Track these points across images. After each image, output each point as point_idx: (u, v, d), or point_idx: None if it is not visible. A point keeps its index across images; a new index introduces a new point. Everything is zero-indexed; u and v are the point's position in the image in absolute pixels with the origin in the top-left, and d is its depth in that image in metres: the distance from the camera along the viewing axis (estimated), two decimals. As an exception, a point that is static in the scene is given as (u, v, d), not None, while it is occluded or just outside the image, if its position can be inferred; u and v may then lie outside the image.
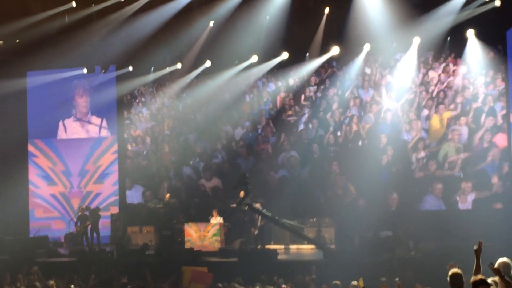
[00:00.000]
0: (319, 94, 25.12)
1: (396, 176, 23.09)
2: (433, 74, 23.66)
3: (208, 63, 24.94)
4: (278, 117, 25.49)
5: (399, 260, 17.20)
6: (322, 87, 25.10)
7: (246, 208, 19.55)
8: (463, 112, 23.02)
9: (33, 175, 26.93)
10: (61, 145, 26.87)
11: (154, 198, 24.73)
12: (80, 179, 26.57)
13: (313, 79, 25.17)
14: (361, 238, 18.85)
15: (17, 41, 24.16)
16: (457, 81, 23.27)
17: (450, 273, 8.16)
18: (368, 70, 24.47)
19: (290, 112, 25.39)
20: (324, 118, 24.77)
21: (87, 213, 22.48)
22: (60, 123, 26.91)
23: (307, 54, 24.32)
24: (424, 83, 23.78)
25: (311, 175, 24.29)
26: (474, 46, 22.10)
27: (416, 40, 22.49)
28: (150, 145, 26.52)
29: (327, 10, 23.17)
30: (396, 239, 18.76)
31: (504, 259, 9.22)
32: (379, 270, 15.68)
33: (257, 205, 21.09)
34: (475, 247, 8.68)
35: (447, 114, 23.19)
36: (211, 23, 23.71)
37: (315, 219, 21.41)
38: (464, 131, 22.92)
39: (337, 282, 14.26)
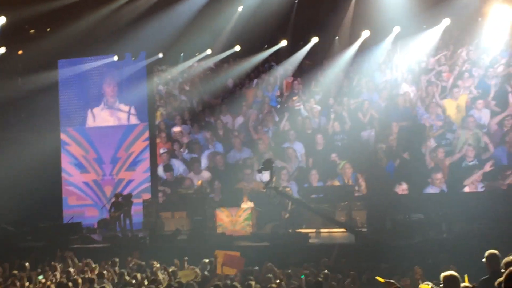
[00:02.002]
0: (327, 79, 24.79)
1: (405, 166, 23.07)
2: (463, 53, 23.28)
3: (237, 48, 24.94)
4: (283, 103, 25.40)
5: (432, 242, 17.11)
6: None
7: (274, 192, 19.60)
8: (484, 93, 22.74)
9: (66, 163, 27.17)
10: (93, 133, 27.06)
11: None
12: (112, 166, 26.76)
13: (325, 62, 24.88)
14: (393, 221, 18.76)
15: (48, 29, 24.31)
16: (485, 60, 22.93)
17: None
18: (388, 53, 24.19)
19: (295, 98, 25.25)
20: (330, 105, 24.64)
21: (120, 199, 22.63)
22: (89, 112, 27.12)
23: (337, 38, 24.18)
24: (451, 61, 23.40)
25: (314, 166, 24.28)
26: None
27: (446, 21, 22.28)
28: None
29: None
30: (428, 221, 18.65)
31: None
32: (411, 253, 15.62)
33: (287, 190, 21.22)
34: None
35: (463, 98, 22.93)
36: (240, 8, 23.67)
37: (346, 203, 21.34)
38: (484, 114, 22.70)
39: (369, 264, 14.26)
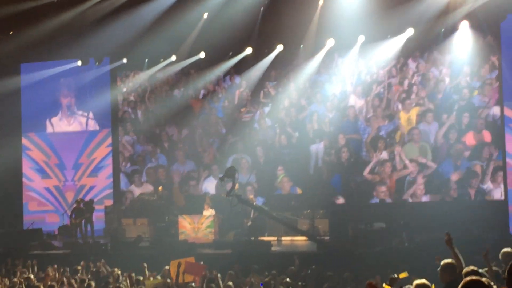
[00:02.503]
0: (280, 90, 24.79)
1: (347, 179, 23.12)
2: (412, 65, 23.34)
3: (202, 54, 24.86)
4: (232, 115, 25.35)
5: (393, 251, 17.22)
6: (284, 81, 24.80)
7: (236, 199, 19.60)
8: (437, 107, 22.83)
9: (27, 169, 26.90)
10: (55, 138, 26.82)
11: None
12: (74, 172, 26.54)
13: (273, 74, 24.86)
14: (355, 230, 18.85)
15: (11, 32, 24.08)
16: (436, 72, 23.04)
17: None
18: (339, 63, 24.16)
19: (243, 109, 25.15)
20: (279, 117, 24.55)
21: (82, 205, 22.44)
22: (47, 122, 26.86)
23: (302, 46, 24.21)
24: (400, 75, 23.45)
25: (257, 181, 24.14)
26: (464, 36, 22.03)
27: (409, 31, 22.42)
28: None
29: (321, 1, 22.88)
30: (390, 230, 18.77)
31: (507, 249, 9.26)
32: (372, 261, 15.70)
33: (250, 197, 21.26)
34: (445, 239, 8.73)
35: (415, 111, 23.05)
36: (205, 15, 23.61)
37: (309, 211, 21.39)
38: (433, 128, 22.78)
39: (330, 273, 14.29)
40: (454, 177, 22.07)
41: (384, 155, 22.90)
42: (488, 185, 21.74)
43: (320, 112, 24.02)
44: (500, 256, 9.47)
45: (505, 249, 9.50)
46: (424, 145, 22.61)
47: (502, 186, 21.56)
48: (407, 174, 22.52)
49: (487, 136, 22.05)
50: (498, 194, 21.62)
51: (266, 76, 24.68)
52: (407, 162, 22.46)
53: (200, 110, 25.67)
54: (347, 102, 23.81)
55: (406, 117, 23.06)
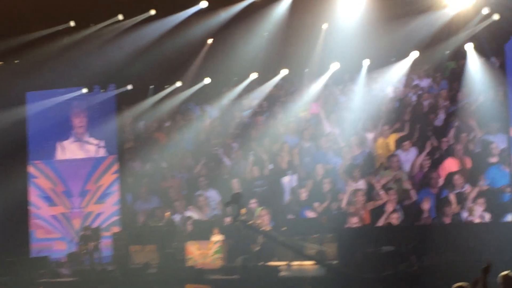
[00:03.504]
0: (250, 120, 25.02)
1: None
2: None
3: (207, 80, 24.96)
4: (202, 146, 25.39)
5: (402, 275, 17.14)
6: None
7: (242, 225, 19.59)
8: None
9: (34, 196, 26.88)
10: (62, 166, 26.82)
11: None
12: (81, 199, 26.49)
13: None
14: (363, 253, 18.75)
15: (16, 61, 24.20)
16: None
17: None
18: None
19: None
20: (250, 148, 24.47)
21: (89, 232, 22.39)
22: (58, 145, 26.89)
23: (306, 70, 24.28)
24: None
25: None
26: (472, 60, 22.07)
27: (415, 54, 22.48)
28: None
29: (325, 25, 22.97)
30: (398, 253, 18.67)
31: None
32: (381, 286, 15.64)
33: (259, 222, 21.23)
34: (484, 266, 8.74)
35: (394, 137, 22.99)
36: (210, 41, 23.73)
37: (317, 235, 21.29)
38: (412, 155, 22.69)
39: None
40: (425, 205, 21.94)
41: (360, 184, 22.68)
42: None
43: (293, 142, 24.00)
44: (498, 280, 9.35)
45: (503, 273, 9.40)
46: (399, 174, 22.43)
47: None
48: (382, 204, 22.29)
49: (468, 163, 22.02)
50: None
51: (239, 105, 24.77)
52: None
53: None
54: (322, 130, 23.93)
55: (385, 143, 23.05)
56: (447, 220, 21.50)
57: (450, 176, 21.95)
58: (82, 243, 22.11)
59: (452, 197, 21.69)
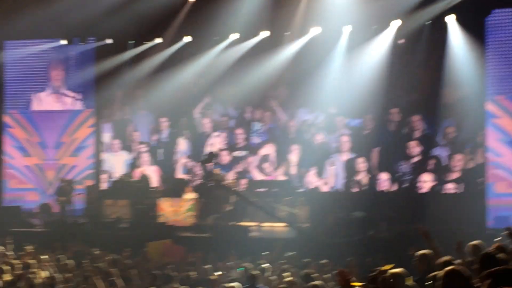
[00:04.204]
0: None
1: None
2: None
3: (188, 38, 24.83)
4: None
5: (371, 240, 17.36)
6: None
7: (212, 183, 19.72)
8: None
9: (8, 146, 26.77)
10: (37, 117, 26.69)
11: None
12: (55, 151, 26.42)
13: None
14: (335, 218, 18.95)
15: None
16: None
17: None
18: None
19: None
20: None
21: (65, 185, 22.36)
22: (34, 96, 26.73)
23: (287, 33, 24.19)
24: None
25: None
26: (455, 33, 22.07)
27: (396, 23, 22.45)
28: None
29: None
30: (369, 220, 18.89)
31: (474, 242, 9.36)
32: (350, 250, 15.82)
33: (232, 181, 21.34)
34: (419, 232, 8.93)
35: None
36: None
37: (289, 198, 21.43)
38: None
39: (309, 259, 14.40)
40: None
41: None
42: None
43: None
44: (466, 249, 9.51)
45: (472, 242, 9.56)
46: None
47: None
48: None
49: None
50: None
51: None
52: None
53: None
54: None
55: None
56: (419, 189, 21.78)
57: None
58: (59, 195, 22.08)
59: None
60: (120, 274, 12.74)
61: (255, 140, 24.31)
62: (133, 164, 25.31)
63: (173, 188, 22.41)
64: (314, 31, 23.44)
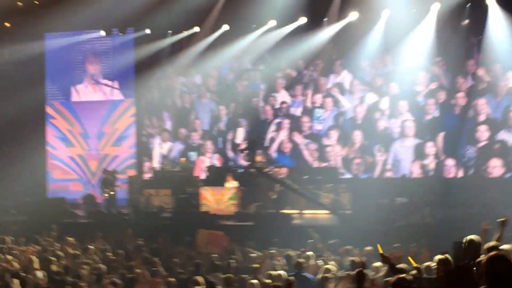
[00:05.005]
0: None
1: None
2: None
3: (226, 27, 24.83)
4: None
5: (414, 226, 17.21)
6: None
7: (254, 171, 19.68)
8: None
9: (51, 137, 27.08)
10: (79, 107, 26.96)
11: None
12: (97, 141, 26.69)
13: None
14: (377, 204, 18.83)
15: (36, 2, 24.15)
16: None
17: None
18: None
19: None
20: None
21: (110, 176, 22.48)
22: (72, 89, 26.97)
23: (325, 19, 24.07)
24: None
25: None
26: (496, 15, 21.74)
27: (435, 6, 22.18)
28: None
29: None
30: (412, 205, 18.73)
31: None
32: (393, 237, 15.70)
33: (275, 170, 21.33)
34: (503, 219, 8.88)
35: None
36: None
37: (331, 185, 21.37)
38: None
39: (349, 247, 14.33)
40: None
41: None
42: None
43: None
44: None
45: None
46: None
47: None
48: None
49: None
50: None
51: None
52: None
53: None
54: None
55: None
56: (489, 175, 21.70)
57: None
58: (104, 186, 22.23)
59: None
60: (162, 263, 12.81)
61: (318, 127, 24.31)
62: (198, 152, 25.58)
63: (215, 177, 22.42)
64: (352, 16, 23.30)
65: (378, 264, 11.81)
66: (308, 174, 22.16)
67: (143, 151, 26.42)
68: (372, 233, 16.04)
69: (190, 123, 25.96)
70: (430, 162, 22.46)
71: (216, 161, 25.10)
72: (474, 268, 7.12)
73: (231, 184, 21.10)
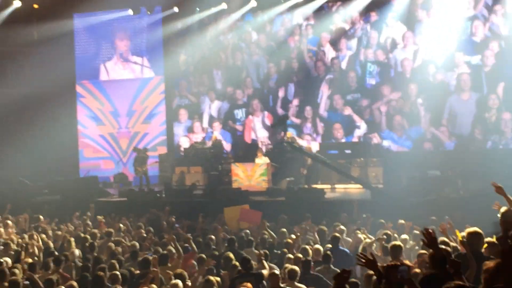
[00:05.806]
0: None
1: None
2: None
3: (253, 3, 24.72)
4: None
5: (447, 199, 17.09)
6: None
7: (289, 147, 19.59)
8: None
9: (82, 116, 27.25)
10: (108, 86, 27.09)
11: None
12: (128, 119, 26.81)
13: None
14: (409, 178, 18.70)
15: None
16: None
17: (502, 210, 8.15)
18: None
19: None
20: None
21: (143, 154, 22.51)
22: (102, 66, 27.08)
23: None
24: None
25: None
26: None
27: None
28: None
29: None
30: (445, 178, 18.58)
31: None
32: (426, 210, 15.61)
33: (307, 146, 21.26)
34: (494, 189, 8.74)
35: None
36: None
37: (362, 159, 21.30)
38: None
39: (382, 220, 14.27)
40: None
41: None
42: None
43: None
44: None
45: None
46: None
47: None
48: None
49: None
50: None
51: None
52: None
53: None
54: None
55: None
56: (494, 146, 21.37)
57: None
58: (137, 164, 22.27)
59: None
60: (196, 239, 12.85)
61: (371, 81, 24.15)
62: (246, 111, 25.69)
63: (246, 153, 22.41)
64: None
65: (405, 236, 11.84)
66: (338, 149, 22.07)
67: (195, 111, 26.52)
68: (404, 206, 15.96)
69: (241, 81, 25.85)
70: (492, 116, 22.24)
71: (266, 119, 25.00)
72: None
73: (262, 160, 21.04)
